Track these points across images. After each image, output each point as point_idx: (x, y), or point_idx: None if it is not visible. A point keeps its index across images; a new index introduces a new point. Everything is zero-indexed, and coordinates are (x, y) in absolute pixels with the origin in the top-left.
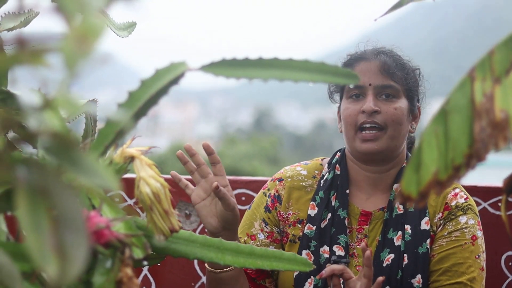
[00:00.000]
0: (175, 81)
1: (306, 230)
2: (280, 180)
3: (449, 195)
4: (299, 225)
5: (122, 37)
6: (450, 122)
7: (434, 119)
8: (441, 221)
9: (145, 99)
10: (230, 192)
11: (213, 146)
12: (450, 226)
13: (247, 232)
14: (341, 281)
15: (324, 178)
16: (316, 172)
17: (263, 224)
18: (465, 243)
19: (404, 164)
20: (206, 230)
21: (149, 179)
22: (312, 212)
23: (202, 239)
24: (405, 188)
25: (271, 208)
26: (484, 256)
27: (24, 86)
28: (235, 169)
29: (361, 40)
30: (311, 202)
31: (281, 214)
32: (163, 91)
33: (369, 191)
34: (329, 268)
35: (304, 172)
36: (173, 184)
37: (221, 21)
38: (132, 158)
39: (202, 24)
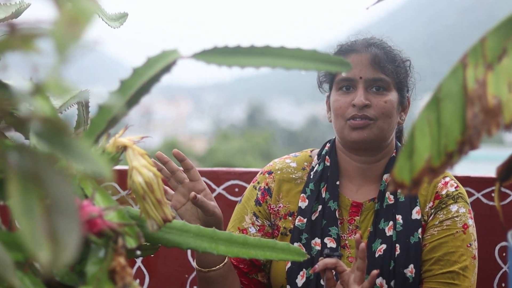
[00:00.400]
0: (167, 68)
1: (297, 222)
2: (270, 173)
3: (440, 184)
4: (290, 218)
5: (114, 28)
6: (442, 109)
7: (427, 106)
8: (432, 210)
9: (137, 87)
10: (208, 195)
11: (207, 142)
12: (441, 215)
13: (238, 226)
14: (334, 274)
15: (314, 170)
16: (306, 164)
17: (254, 218)
18: (457, 231)
19: (394, 154)
20: None
21: (142, 169)
22: (303, 204)
23: (196, 229)
24: (397, 175)
25: (261, 202)
26: (476, 244)
27: (15, 73)
28: (228, 165)
29: (353, 33)
30: (302, 194)
31: (271, 207)
32: (155, 79)
33: (359, 182)
34: (322, 262)
35: (294, 164)
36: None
37: (218, 16)
38: (124, 148)
39: (200, 20)
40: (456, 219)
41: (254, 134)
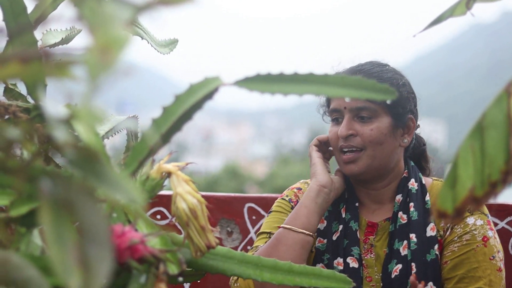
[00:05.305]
0: (209, 96)
1: (317, 244)
2: (299, 189)
3: None
4: None
5: (164, 54)
6: (486, 137)
7: (470, 135)
8: (448, 225)
9: (179, 114)
10: None
11: (267, 166)
12: (459, 229)
13: (278, 226)
14: None
15: None
16: None
17: None
18: (477, 245)
19: (405, 175)
20: (248, 247)
21: (186, 195)
22: (321, 225)
23: (240, 256)
24: (440, 204)
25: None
26: (501, 255)
27: (56, 100)
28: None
29: (415, 60)
30: None
31: None
32: (198, 106)
33: (373, 206)
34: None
35: None
36: (213, 201)
37: (275, 40)
38: (168, 174)
39: (254, 43)
40: (475, 232)
41: None
